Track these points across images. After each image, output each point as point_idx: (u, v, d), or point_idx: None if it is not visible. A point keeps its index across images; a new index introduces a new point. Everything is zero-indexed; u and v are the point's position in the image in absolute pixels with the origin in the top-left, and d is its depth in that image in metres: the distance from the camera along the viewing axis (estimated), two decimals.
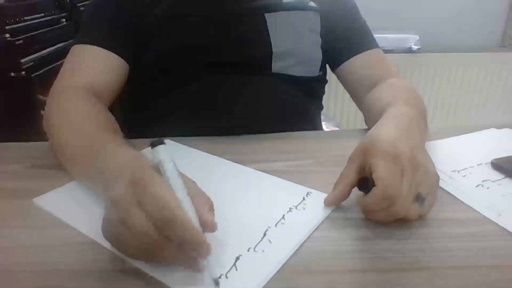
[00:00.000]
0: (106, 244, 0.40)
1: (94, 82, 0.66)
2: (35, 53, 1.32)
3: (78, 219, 0.45)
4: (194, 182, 0.40)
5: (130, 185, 0.36)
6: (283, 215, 0.46)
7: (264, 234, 0.42)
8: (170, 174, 0.37)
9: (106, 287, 0.37)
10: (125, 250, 0.37)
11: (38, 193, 0.50)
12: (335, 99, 1.92)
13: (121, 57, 0.69)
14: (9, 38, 1.21)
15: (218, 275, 0.36)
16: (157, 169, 0.38)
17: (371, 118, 0.65)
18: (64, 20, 1.50)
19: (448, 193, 0.51)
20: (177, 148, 0.62)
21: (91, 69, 0.67)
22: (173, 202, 0.35)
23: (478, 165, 0.57)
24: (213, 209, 0.39)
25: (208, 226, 0.37)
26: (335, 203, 0.47)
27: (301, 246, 0.41)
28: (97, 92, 0.65)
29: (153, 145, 0.39)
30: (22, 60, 1.25)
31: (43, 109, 0.64)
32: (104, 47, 0.68)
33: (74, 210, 0.47)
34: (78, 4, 1.55)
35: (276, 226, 0.44)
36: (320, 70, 0.80)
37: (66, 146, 0.55)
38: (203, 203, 0.38)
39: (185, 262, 0.36)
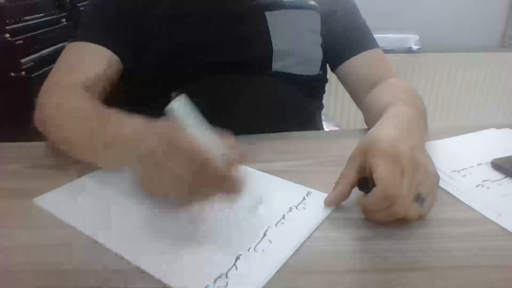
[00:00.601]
0: (106, 244, 0.41)
1: (88, 80, 0.65)
2: (35, 53, 1.32)
3: (78, 219, 0.45)
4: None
5: (159, 138, 0.40)
6: (283, 215, 0.46)
7: (264, 234, 0.43)
8: (193, 123, 0.41)
9: (106, 287, 0.37)
10: (164, 192, 0.41)
11: (38, 193, 0.50)
12: (335, 99, 1.92)
13: (118, 56, 0.69)
14: (9, 38, 1.21)
15: (261, 197, 0.44)
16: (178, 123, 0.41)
17: (371, 118, 0.65)
18: (64, 20, 1.50)
19: (448, 193, 0.51)
20: None
21: (85, 67, 0.67)
22: (204, 147, 0.39)
23: (478, 165, 0.57)
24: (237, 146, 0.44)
25: (243, 157, 0.43)
26: (335, 203, 0.47)
27: (301, 246, 0.41)
28: (90, 90, 0.64)
29: (172, 98, 0.42)
30: (22, 60, 1.25)
31: None
32: (98, 44, 0.68)
33: (74, 209, 0.47)
34: (78, 4, 1.55)
35: (276, 226, 0.44)
36: (320, 69, 0.80)
37: (73, 137, 0.55)
38: (228, 143, 0.43)
39: (223, 197, 0.41)
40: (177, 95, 0.41)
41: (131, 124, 0.48)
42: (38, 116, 0.63)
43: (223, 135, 0.43)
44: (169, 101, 0.71)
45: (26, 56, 1.27)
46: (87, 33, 0.71)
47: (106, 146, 0.49)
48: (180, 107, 0.41)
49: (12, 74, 1.22)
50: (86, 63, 0.68)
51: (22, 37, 1.26)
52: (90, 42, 0.68)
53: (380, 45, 0.79)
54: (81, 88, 0.63)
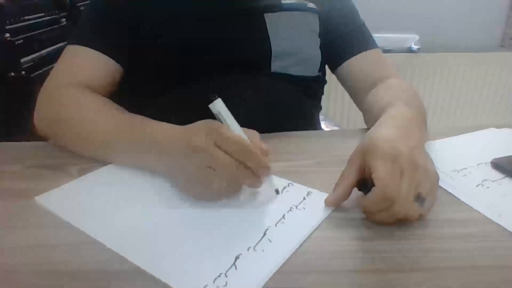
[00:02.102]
0: (106, 244, 0.41)
1: (88, 83, 0.66)
2: (35, 53, 1.32)
3: (79, 218, 0.45)
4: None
5: (205, 134, 0.45)
6: (283, 215, 0.46)
7: (264, 234, 0.43)
8: (229, 121, 0.47)
9: (106, 287, 0.37)
10: (205, 192, 0.47)
11: (38, 193, 0.49)
12: (335, 99, 1.92)
13: (115, 60, 0.69)
14: (9, 38, 1.21)
15: (278, 187, 0.50)
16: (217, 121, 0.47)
17: (371, 118, 0.65)
18: (64, 20, 1.50)
19: (448, 193, 0.51)
20: None
21: (85, 70, 0.67)
22: (245, 139, 0.46)
23: (478, 165, 0.57)
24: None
25: (265, 152, 0.48)
26: (336, 204, 0.47)
27: (301, 246, 0.41)
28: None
29: (210, 101, 0.47)
30: (22, 60, 1.25)
31: None
32: (97, 50, 0.68)
33: (74, 209, 0.47)
34: (78, 4, 1.55)
35: (276, 225, 0.44)
36: (319, 70, 0.80)
37: (93, 133, 0.57)
38: (255, 137, 0.49)
39: (254, 183, 0.47)
40: (214, 97, 0.47)
41: (168, 126, 0.53)
42: (39, 117, 0.63)
43: (250, 132, 0.49)
44: (168, 102, 0.72)
45: (26, 56, 1.27)
46: (85, 37, 0.70)
47: (144, 145, 0.53)
48: (221, 105, 0.46)
49: (12, 74, 1.22)
50: (86, 67, 0.68)
51: (22, 36, 1.26)
52: (88, 47, 0.68)
53: (380, 45, 0.79)
54: (84, 88, 0.64)
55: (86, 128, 0.58)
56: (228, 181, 0.45)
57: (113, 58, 0.69)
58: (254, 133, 0.50)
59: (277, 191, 0.49)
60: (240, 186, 0.48)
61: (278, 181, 0.53)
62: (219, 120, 0.47)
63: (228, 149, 0.44)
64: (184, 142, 0.47)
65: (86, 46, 0.68)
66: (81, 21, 0.73)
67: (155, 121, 0.56)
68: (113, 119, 0.58)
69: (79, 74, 0.67)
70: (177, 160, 0.49)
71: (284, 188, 0.52)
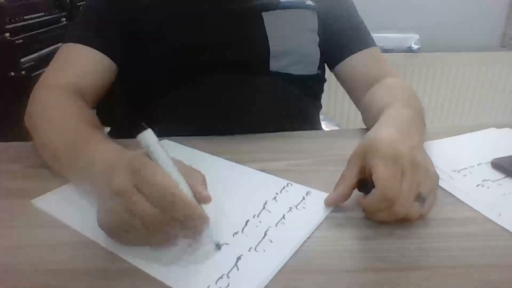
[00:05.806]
0: (106, 244, 0.41)
1: (79, 82, 0.65)
2: (35, 52, 1.32)
3: (78, 221, 0.45)
4: (180, 161, 0.41)
5: (128, 173, 0.37)
6: (283, 215, 0.46)
7: (265, 234, 0.43)
8: (159, 157, 0.38)
9: (106, 287, 0.37)
10: (127, 238, 0.39)
11: (37, 193, 0.49)
12: (335, 99, 1.92)
13: (110, 57, 0.69)
14: (9, 38, 1.21)
15: (219, 241, 0.40)
16: (147, 155, 0.39)
17: (369, 118, 0.65)
18: (64, 19, 1.50)
19: (448, 193, 0.51)
20: (177, 148, 0.62)
21: (77, 68, 0.67)
22: (171, 183, 0.37)
23: (478, 164, 0.57)
24: (205, 183, 0.41)
25: (203, 199, 0.39)
26: (335, 204, 0.47)
27: (301, 245, 0.41)
28: (82, 92, 0.65)
29: (137, 132, 0.39)
30: (22, 60, 1.25)
31: None
32: (91, 47, 0.67)
33: (73, 211, 0.47)
34: (78, 4, 1.55)
35: (276, 226, 0.44)
36: (319, 68, 0.80)
37: (49, 144, 0.55)
38: (195, 178, 0.40)
39: (188, 235, 0.39)
40: (144, 126, 0.38)
41: (104, 154, 0.45)
42: (26, 119, 0.62)
43: (193, 172, 0.41)
44: (168, 102, 0.72)
45: (26, 56, 1.27)
46: (78, 34, 0.70)
47: (76, 174, 0.49)
48: (150, 137, 0.38)
49: (12, 73, 1.22)
50: (79, 65, 0.67)
51: (22, 36, 1.26)
52: (83, 44, 0.68)
53: (380, 45, 0.79)
54: (68, 90, 0.63)
55: (46, 138, 0.56)
56: (149, 231, 0.37)
57: (106, 54, 0.68)
58: (197, 175, 0.41)
59: (217, 246, 0.40)
60: (166, 238, 0.39)
61: (276, 181, 0.53)
62: (151, 153, 0.38)
63: (149, 194, 0.36)
64: (107, 179, 0.39)
65: (79, 43, 0.68)
66: (76, 20, 0.73)
67: (104, 142, 0.50)
68: (68, 134, 0.54)
69: (70, 73, 0.66)
70: (99, 197, 0.41)
71: (283, 188, 0.52)
